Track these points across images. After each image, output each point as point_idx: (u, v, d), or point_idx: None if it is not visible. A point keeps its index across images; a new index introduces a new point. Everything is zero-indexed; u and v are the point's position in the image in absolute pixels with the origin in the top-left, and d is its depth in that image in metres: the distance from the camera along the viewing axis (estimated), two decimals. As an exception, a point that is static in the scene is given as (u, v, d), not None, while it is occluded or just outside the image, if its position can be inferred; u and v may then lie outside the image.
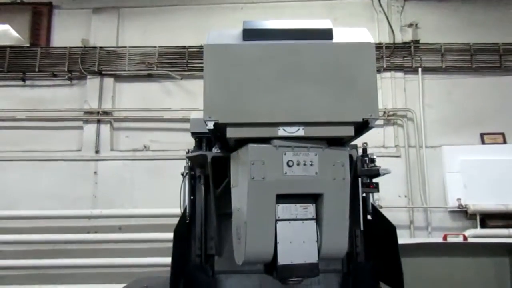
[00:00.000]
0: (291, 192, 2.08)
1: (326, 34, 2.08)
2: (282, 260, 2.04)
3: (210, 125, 1.98)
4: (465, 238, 4.08)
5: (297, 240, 2.08)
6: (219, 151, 2.51)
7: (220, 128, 2.04)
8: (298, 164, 2.05)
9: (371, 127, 2.02)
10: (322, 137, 2.08)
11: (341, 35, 2.10)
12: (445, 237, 3.95)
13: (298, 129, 2.03)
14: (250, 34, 2.07)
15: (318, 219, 2.13)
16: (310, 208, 2.13)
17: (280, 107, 2.00)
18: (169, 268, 2.43)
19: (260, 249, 2.04)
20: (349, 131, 2.04)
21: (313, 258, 2.08)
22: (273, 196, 2.04)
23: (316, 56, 2.03)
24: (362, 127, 2.07)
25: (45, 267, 4.98)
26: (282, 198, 2.08)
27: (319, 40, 2.06)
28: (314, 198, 2.15)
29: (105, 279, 4.98)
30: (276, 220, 2.06)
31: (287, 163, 2.04)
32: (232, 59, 2.03)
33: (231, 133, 2.03)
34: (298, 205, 2.11)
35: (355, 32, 2.14)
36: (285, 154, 2.05)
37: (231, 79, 2.01)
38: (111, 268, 4.99)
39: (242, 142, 2.10)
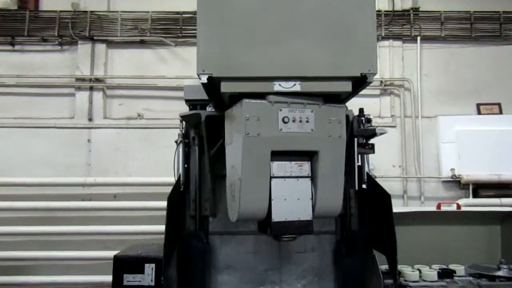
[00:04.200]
0: (286, 149, 2.05)
1: None
2: (276, 217, 2.03)
3: (204, 79, 1.93)
4: (458, 207, 4.09)
5: (292, 197, 2.07)
6: (213, 110, 2.46)
7: (214, 83, 1.98)
8: (293, 121, 2.02)
9: (369, 82, 1.98)
10: (319, 92, 2.04)
11: None
12: (438, 206, 3.95)
13: (295, 84, 1.98)
14: None
15: (313, 177, 2.12)
16: (305, 166, 2.12)
17: (276, 61, 1.94)
18: (163, 236, 2.41)
19: (254, 206, 2.03)
20: (347, 86, 2.00)
21: (307, 215, 2.08)
22: (268, 153, 2.02)
23: (314, 8, 1.96)
24: (360, 83, 2.02)
25: (39, 234, 4.96)
26: (277, 155, 2.05)
27: None
28: (310, 156, 2.13)
29: (100, 246, 4.99)
30: (271, 177, 2.05)
31: (283, 120, 2.01)
32: (227, 11, 1.95)
33: (225, 87, 1.98)
34: (293, 162, 2.09)
35: None
36: (280, 110, 2.01)
37: (225, 31, 1.95)
38: (106, 236, 4.99)
39: (237, 98, 2.05)
